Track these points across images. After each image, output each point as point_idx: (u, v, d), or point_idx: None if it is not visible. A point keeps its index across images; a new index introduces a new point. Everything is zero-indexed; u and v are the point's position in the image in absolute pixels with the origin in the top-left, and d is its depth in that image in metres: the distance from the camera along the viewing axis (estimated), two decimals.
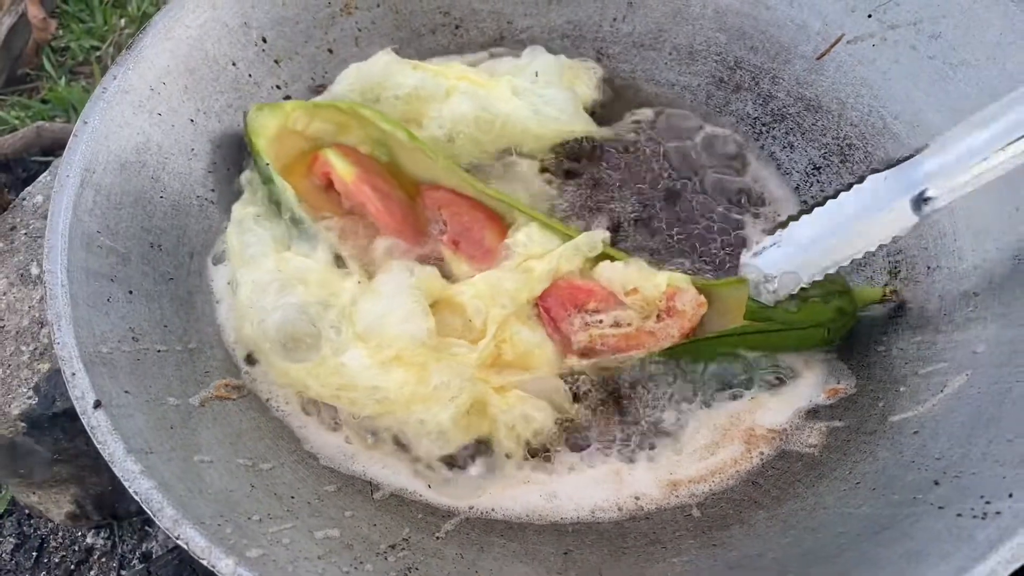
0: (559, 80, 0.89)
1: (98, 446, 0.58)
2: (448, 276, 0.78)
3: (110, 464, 0.57)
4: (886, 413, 0.70)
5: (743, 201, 0.89)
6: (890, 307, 0.77)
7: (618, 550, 0.65)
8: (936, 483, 0.60)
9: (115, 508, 0.93)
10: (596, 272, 0.76)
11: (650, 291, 0.73)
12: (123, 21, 1.67)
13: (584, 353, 0.74)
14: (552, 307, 0.75)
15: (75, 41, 1.65)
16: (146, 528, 0.98)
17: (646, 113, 0.95)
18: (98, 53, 1.65)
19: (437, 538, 0.65)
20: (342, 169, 0.81)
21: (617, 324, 0.74)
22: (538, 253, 0.76)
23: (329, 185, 0.81)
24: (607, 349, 0.74)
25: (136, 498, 0.56)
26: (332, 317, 0.71)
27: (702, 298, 0.74)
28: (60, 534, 0.99)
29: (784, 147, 0.92)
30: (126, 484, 0.57)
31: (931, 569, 0.52)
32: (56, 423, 0.79)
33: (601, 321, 0.74)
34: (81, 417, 0.59)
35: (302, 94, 0.91)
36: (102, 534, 0.98)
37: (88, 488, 0.89)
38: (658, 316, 0.74)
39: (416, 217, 0.82)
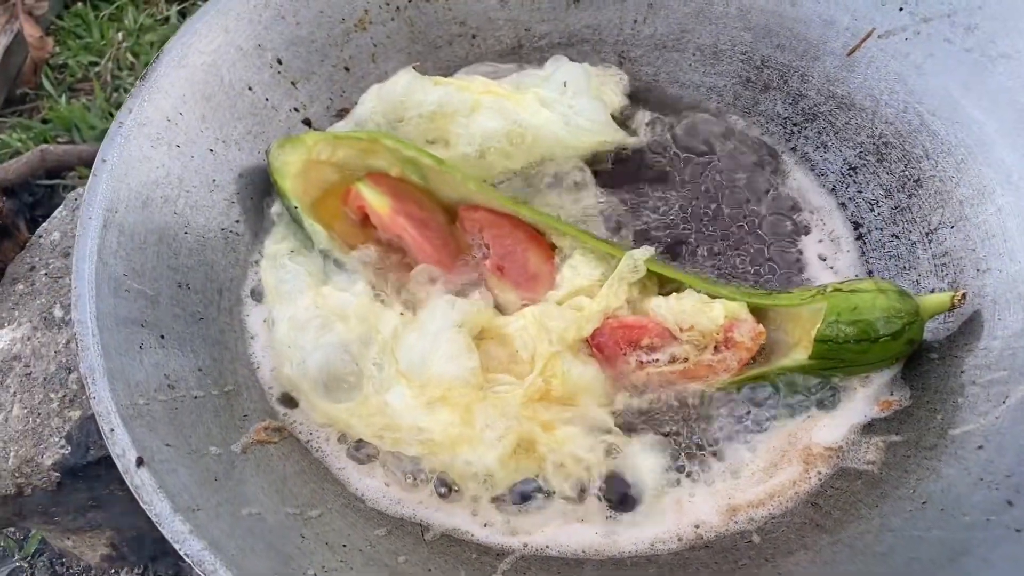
0: (588, 89, 0.86)
1: (144, 506, 0.56)
2: (494, 300, 0.77)
3: (157, 525, 0.55)
4: (946, 426, 0.68)
5: (784, 208, 0.87)
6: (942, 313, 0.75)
7: None
8: (1010, 503, 0.58)
9: (151, 549, 0.92)
10: (649, 307, 0.73)
11: (706, 324, 0.71)
12: (120, 35, 1.64)
13: (640, 389, 0.72)
14: (605, 345, 0.73)
15: (73, 58, 1.62)
16: (179, 564, 0.97)
17: (674, 118, 0.92)
18: (97, 69, 1.62)
19: None
20: (376, 202, 0.79)
21: (673, 360, 0.72)
22: (585, 285, 0.74)
23: (365, 219, 0.79)
24: (664, 384, 0.72)
25: (187, 560, 0.54)
26: (374, 353, 0.69)
27: (760, 327, 0.72)
28: (93, 573, 0.97)
29: (817, 147, 0.89)
30: (176, 546, 0.55)
31: None
32: (91, 472, 0.77)
33: (657, 359, 0.72)
34: (124, 476, 0.57)
35: (321, 115, 0.89)
36: (136, 571, 0.97)
37: (123, 531, 0.87)
38: (715, 348, 0.72)
39: (456, 242, 0.80)
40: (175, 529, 0.55)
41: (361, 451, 0.71)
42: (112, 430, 0.59)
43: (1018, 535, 0.55)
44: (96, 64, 1.62)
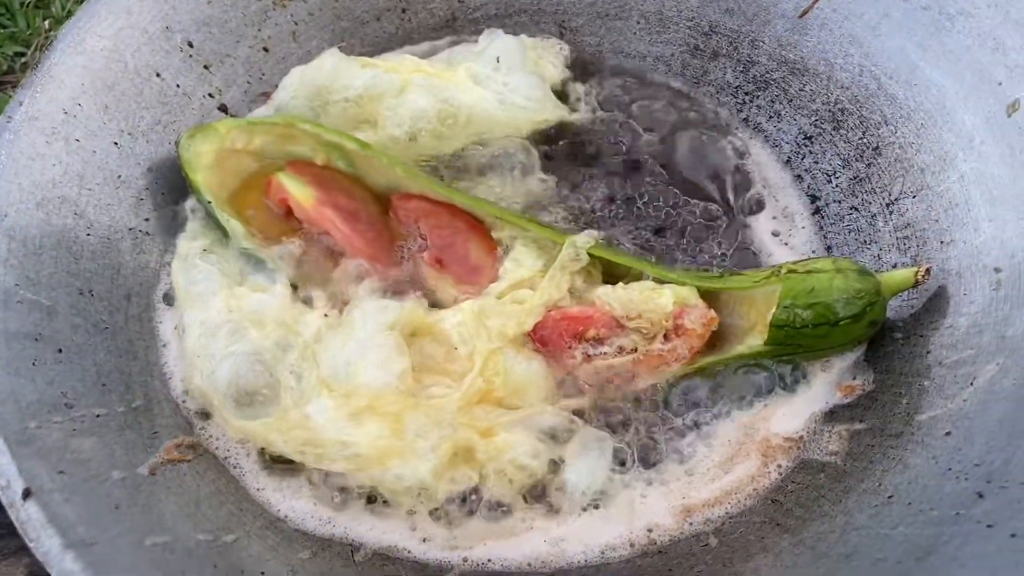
0: (523, 63, 0.81)
1: (29, 543, 0.51)
2: (431, 298, 0.71)
3: (45, 564, 0.50)
4: (912, 412, 0.63)
5: (736, 182, 0.81)
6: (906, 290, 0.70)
7: None
8: (980, 495, 0.54)
9: None
10: (594, 296, 0.68)
11: (655, 312, 0.66)
12: (47, 23, 1.55)
13: (587, 383, 0.68)
14: (549, 339, 0.68)
15: None
16: None
17: (618, 90, 0.87)
18: (24, 59, 1.54)
19: None
20: (299, 193, 0.73)
21: (622, 351, 0.67)
22: (527, 277, 0.69)
23: (288, 212, 0.73)
24: (612, 378, 0.67)
25: None
26: (292, 360, 0.63)
27: (712, 313, 0.67)
28: None
29: (771, 117, 0.84)
30: None
31: None
32: None
33: (605, 351, 0.67)
34: (8, 510, 0.51)
35: (239, 101, 0.82)
36: None
37: None
38: (665, 336, 0.67)
39: (390, 233, 0.74)
40: (65, 568, 0.49)
41: (283, 466, 0.65)
42: None
43: (989, 531, 0.51)
44: (23, 55, 1.54)
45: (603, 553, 0.62)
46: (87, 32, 0.72)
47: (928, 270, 0.67)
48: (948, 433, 0.59)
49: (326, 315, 0.67)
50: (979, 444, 0.57)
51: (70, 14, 1.56)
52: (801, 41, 0.82)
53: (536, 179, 0.80)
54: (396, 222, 0.75)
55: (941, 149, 0.72)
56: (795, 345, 0.67)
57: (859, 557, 0.55)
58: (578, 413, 0.68)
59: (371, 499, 0.64)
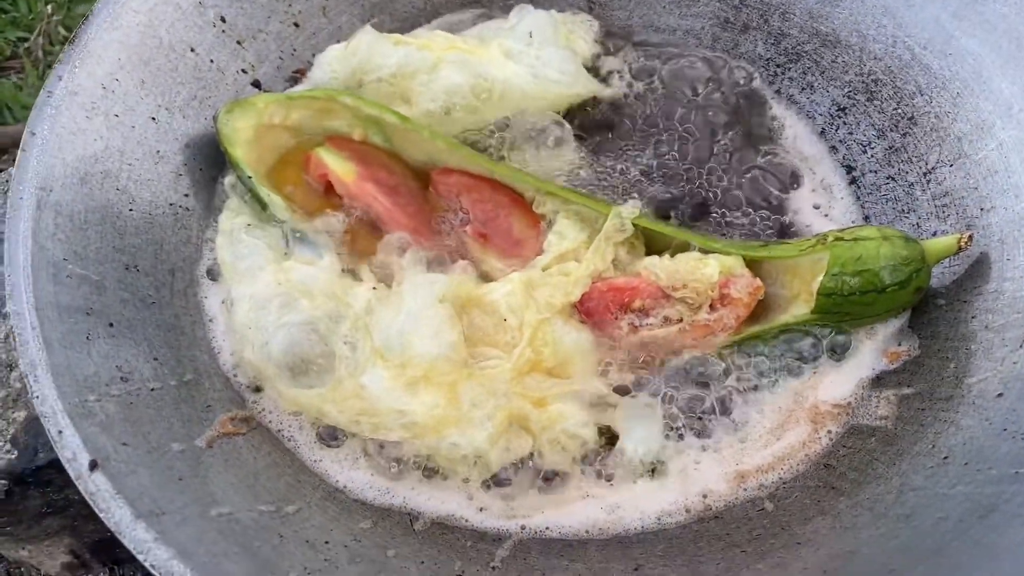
0: (555, 38, 0.80)
1: (100, 514, 0.51)
2: (477, 271, 0.71)
3: (117, 535, 0.50)
4: (960, 375, 0.64)
5: (774, 153, 0.82)
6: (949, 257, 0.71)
7: (693, 559, 0.59)
8: None
9: (116, 552, 0.85)
10: (640, 267, 0.68)
11: (700, 282, 0.66)
12: (50, 8, 1.54)
13: (635, 354, 0.68)
14: (595, 310, 0.68)
15: (0, 34, 1.52)
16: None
17: (649, 64, 0.87)
18: (27, 45, 1.52)
19: (493, 568, 0.59)
20: (340, 169, 0.72)
21: (668, 321, 0.67)
22: (572, 249, 0.69)
23: (329, 188, 0.73)
24: (659, 348, 0.67)
25: (153, 572, 0.49)
26: (345, 331, 0.63)
27: (758, 282, 0.67)
28: None
29: (803, 89, 0.85)
30: (139, 556, 0.49)
31: None
32: (42, 476, 0.70)
33: (650, 322, 0.68)
34: (76, 482, 0.51)
35: (272, 76, 0.82)
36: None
37: (84, 536, 0.81)
38: (711, 306, 0.67)
39: (431, 208, 0.74)
40: (138, 538, 0.49)
41: (337, 438, 0.65)
42: (60, 432, 0.53)
43: None
44: (25, 40, 1.53)
45: (659, 519, 0.63)
46: (122, 7, 0.72)
47: (971, 236, 0.68)
48: (1000, 395, 0.60)
49: (374, 288, 0.67)
50: None
51: None
52: (832, 13, 0.83)
53: (571, 152, 0.80)
54: (436, 197, 0.75)
55: (978, 118, 0.73)
56: (842, 313, 0.68)
57: (919, 517, 0.56)
58: (628, 384, 0.68)
59: (427, 470, 0.64)
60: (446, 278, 0.67)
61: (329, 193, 0.75)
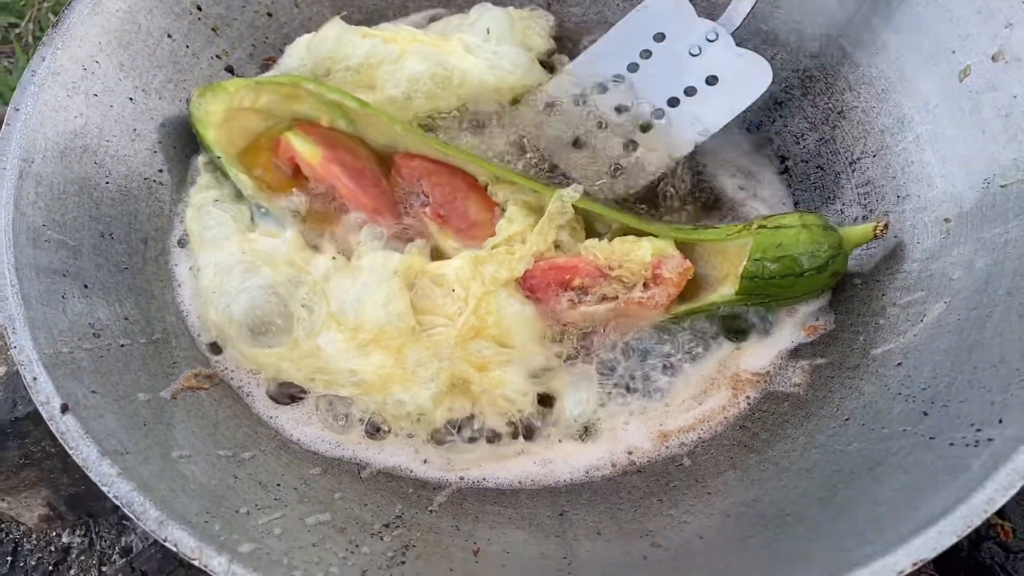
0: (511, 35, 0.86)
1: (70, 451, 0.56)
2: (433, 249, 0.77)
3: (84, 469, 0.55)
4: (868, 347, 0.70)
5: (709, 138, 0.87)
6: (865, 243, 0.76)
7: (613, 507, 0.64)
8: (925, 414, 0.60)
9: (90, 506, 0.90)
10: (580, 248, 0.74)
11: (634, 262, 0.72)
12: None
13: (574, 327, 0.74)
14: (538, 287, 0.73)
15: None
16: (124, 523, 0.96)
17: None
18: (17, 30, 1.57)
19: (431, 511, 0.64)
20: (306, 152, 0.78)
21: (605, 298, 0.73)
22: (519, 231, 0.74)
23: (296, 170, 0.79)
24: (597, 323, 0.73)
25: (116, 502, 0.54)
26: (303, 295, 0.69)
27: (687, 263, 0.73)
28: (34, 536, 0.96)
29: None
30: (104, 489, 0.54)
31: (928, 502, 0.52)
32: (19, 428, 0.76)
33: (588, 298, 0.73)
34: (48, 423, 0.56)
35: (244, 62, 0.87)
36: (78, 532, 0.96)
37: (60, 489, 0.86)
38: (644, 284, 0.72)
39: (393, 190, 0.79)
40: (102, 472, 0.54)
41: (292, 395, 0.70)
42: (35, 379, 0.58)
43: (931, 442, 0.57)
44: (16, 26, 1.57)
45: (587, 472, 0.68)
46: None
47: (886, 225, 0.73)
48: (899, 364, 0.66)
49: (334, 257, 0.72)
50: (926, 371, 0.63)
51: None
52: (774, 13, 0.88)
53: (515, 134, 0.86)
54: (398, 180, 0.81)
55: (900, 112, 0.78)
56: (763, 294, 0.73)
57: (817, 470, 0.61)
58: (566, 353, 0.74)
59: (372, 427, 0.69)
60: (400, 256, 0.72)
61: (297, 175, 0.80)
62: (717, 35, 0.82)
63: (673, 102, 0.84)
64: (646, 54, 0.85)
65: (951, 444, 0.55)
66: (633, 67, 0.86)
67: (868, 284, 0.74)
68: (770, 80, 0.80)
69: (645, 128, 0.85)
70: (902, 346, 0.67)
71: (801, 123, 0.86)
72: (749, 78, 0.81)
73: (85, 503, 0.89)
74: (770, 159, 0.87)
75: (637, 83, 0.86)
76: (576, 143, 0.86)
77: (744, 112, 0.86)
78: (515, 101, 0.86)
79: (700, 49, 0.83)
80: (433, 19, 0.93)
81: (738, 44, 0.89)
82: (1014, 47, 0.69)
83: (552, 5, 0.96)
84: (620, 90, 0.86)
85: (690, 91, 0.83)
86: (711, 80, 0.83)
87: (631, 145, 0.85)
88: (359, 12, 0.92)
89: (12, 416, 0.75)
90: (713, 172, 0.86)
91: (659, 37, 0.85)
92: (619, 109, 0.86)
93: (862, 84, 0.82)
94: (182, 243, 0.77)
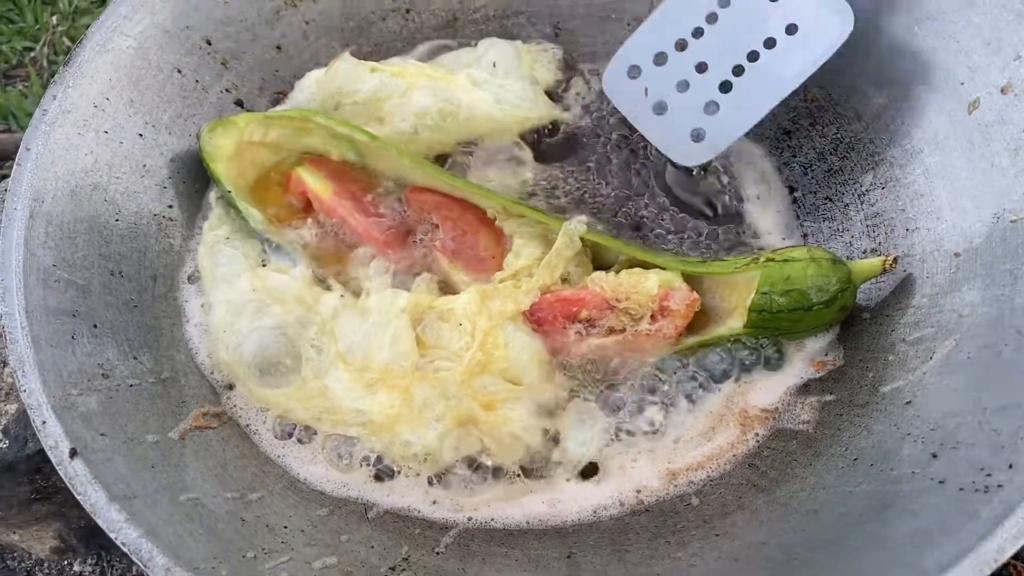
0: (518, 68, 0.87)
1: (78, 496, 0.56)
2: (443, 284, 0.77)
3: (92, 515, 0.55)
4: (876, 384, 0.69)
5: (720, 173, 0.87)
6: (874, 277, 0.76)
7: (621, 548, 0.64)
8: (934, 456, 0.59)
9: (102, 539, 0.91)
10: (587, 281, 0.74)
11: (642, 294, 0.72)
12: (55, 19, 1.60)
13: (581, 361, 0.74)
14: (545, 320, 0.73)
15: (6, 44, 1.58)
16: None
17: None
18: (32, 54, 1.58)
19: (437, 553, 0.64)
20: (317, 186, 0.79)
21: (612, 331, 0.73)
22: (527, 265, 0.75)
23: (307, 204, 0.79)
24: (604, 355, 0.73)
25: (124, 548, 0.54)
26: (312, 335, 0.69)
27: (695, 295, 0.72)
28: (46, 564, 0.96)
29: None
30: (112, 535, 0.55)
31: (938, 549, 0.51)
32: (31, 464, 0.76)
33: (595, 331, 0.73)
34: (57, 468, 0.57)
35: (254, 96, 0.88)
36: (89, 561, 0.96)
37: (71, 522, 0.86)
38: (652, 317, 0.72)
39: (403, 223, 0.80)
40: (110, 518, 0.55)
41: (301, 435, 0.71)
42: (44, 422, 0.59)
43: (940, 486, 0.56)
44: (31, 50, 1.59)
45: (595, 512, 0.68)
46: (113, 31, 0.78)
47: (895, 259, 0.73)
48: (908, 402, 0.65)
49: (342, 296, 0.72)
50: (935, 411, 0.63)
51: (78, 11, 1.61)
52: None
53: (529, 172, 0.86)
54: (408, 212, 0.81)
55: (909, 144, 0.78)
56: (772, 328, 0.73)
57: (825, 512, 0.61)
58: (573, 390, 0.74)
59: (379, 474, 0.69)
60: (408, 294, 0.73)
61: (308, 209, 0.81)
62: None
63: (753, 56, 0.79)
64: (724, 3, 0.80)
65: (960, 489, 0.55)
66: (712, 18, 0.80)
67: (877, 319, 0.74)
68: (852, 27, 0.75)
69: (725, 88, 0.81)
70: (911, 384, 0.67)
71: (809, 153, 0.86)
72: (829, 24, 0.76)
73: (97, 536, 0.90)
74: (778, 189, 0.86)
75: (716, 36, 0.81)
76: (658, 107, 0.83)
77: (756, 141, 0.86)
78: (522, 136, 0.86)
79: None
80: (442, 49, 0.94)
81: None
82: (1023, 80, 0.69)
83: (560, 35, 0.96)
84: (700, 45, 0.81)
85: (769, 43, 0.78)
86: (791, 29, 0.78)
87: (713, 106, 0.81)
88: (368, 44, 0.93)
89: (24, 453, 0.75)
90: (722, 202, 0.86)
91: None
92: (700, 67, 0.81)
93: (871, 115, 0.82)
94: (192, 279, 0.77)
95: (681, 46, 0.82)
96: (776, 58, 0.79)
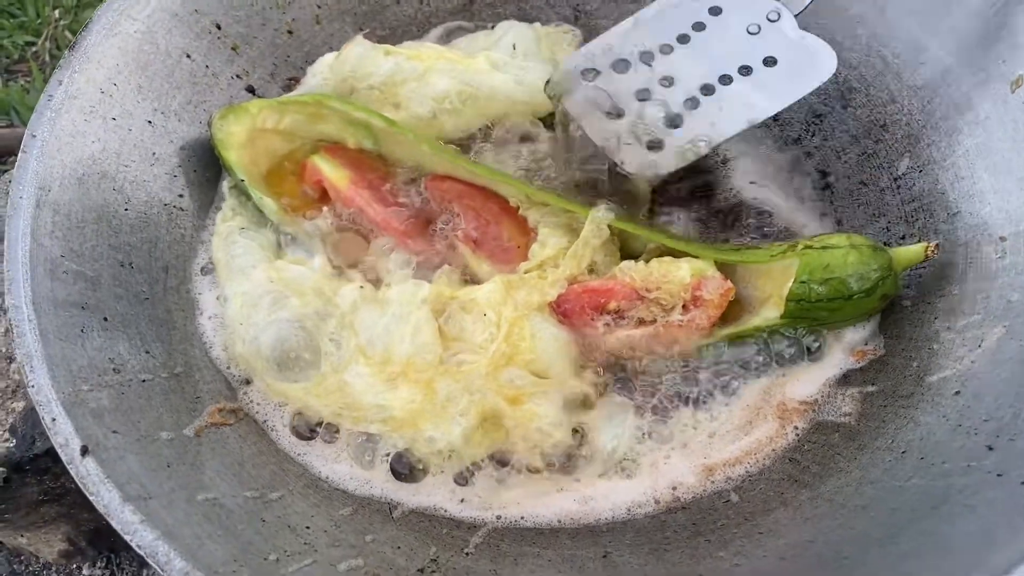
0: (537, 50, 0.84)
1: (90, 497, 0.53)
2: (466, 275, 0.75)
3: (106, 517, 0.52)
4: (922, 374, 0.66)
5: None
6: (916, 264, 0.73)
7: (659, 547, 0.61)
8: (990, 448, 0.56)
9: (111, 541, 0.88)
10: (616, 270, 0.71)
11: (673, 283, 0.69)
12: (57, 13, 1.57)
13: (610, 353, 0.70)
14: (572, 311, 0.70)
15: (8, 38, 1.55)
16: None
17: None
18: (34, 49, 1.56)
19: (467, 554, 0.61)
20: (334, 175, 0.76)
21: (642, 322, 0.70)
22: (553, 255, 0.72)
23: (323, 194, 0.76)
24: (634, 348, 0.70)
25: (140, 552, 0.51)
26: (331, 328, 0.66)
27: (728, 284, 0.69)
28: (55, 568, 0.93)
29: None
30: (127, 537, 0.52)
31: (1006, 547, 0.48)
32: (38, 464, 0.73)
33: (625, 322, 0.70)
34: (68, 467, 0.54)
35: (265, 81, 0.85)
36: (99, 564, 0.93)
37: (80, 524, 0.83)
38: (684, 307, 0.69)
39: (423, 212, 0.77)
40: (125, 520, 0.52)
41: (321, 431, 0.68)
42: (54, 419, 0.56)
43: (999, 480, 0.53)
44: (33, 44, 1.56)
45: (629, 510, 0.65)
46: (121, 15, 0.75)
47: (938, 246, 0.69)
48: (957, 392, 0.62)
49: (362, 287, 0.69)
50: (988, 401, 0.60)
51: (80, 4, 1.58)
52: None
53: (550, 157, 0.83)
54: (428, 201, 0.78)
55: (947, 125, 0.75)
56: (810, 318, 0.70)
57: (875, 508, 0.58)
58: (602, 382, 0.71)
59: (402, 472, 0.67)
60: (429, 285, 0.70)
61: (324, 199, 0.78)
62: (779, 15, 0.78)
63: (725, 80, 0.77)
64: (699, 26, 0.79)
65: (1023, 483, 0.52)
66: (684, 38, 0.79)
67: (919, 307, 0.71)
68: (834, 68, 0.75)
69: (692, 104, 0.78)
70: (959, 373, 0.64)
71: (842, 136, 0.83)
72: (811, 64, 0.76)
73: (106, 538, 0.87)
74: (810, 175, 0.83)
75: (687, 56, 0.79)
76: (612, 113, 0.79)
77: (782, 127, 0.83)
78: (542, 120, 0.83)
79: (759, 28, 0.77)
80: (457, 32, 0.91)
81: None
82: None
83: (580, 17, 0.93)
84: (668, 61, 0.79)
85: (745, 70, 0.77)
86: (769, 61, 0.77)
87: (676, 119, 0.78)
88: (382, 28, 0.90)
89: (31, 453, 0.72)
90: (750, 188, 0.83)
91: (715, 11, 0.79)
92: (665, 81, 0.79)
93: (905, 95, 0.79)
94: (205, 271, 0.74)
95: (647, 59, 0.79)
96: (751, 85, 0.77)
